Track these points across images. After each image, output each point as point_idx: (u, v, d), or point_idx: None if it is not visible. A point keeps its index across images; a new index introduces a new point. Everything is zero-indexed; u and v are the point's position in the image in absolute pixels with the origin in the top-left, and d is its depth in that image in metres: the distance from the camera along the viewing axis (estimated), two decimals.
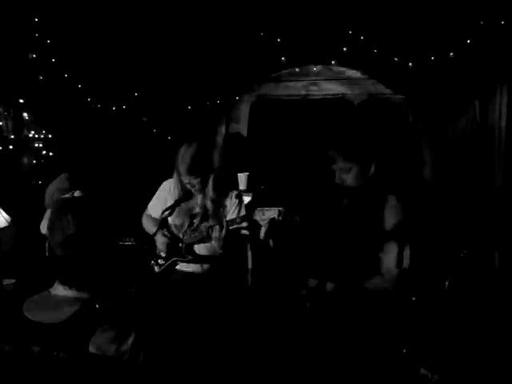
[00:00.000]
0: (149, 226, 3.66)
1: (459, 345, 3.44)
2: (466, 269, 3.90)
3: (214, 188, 3.39)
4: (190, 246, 3.45)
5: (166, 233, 3.45)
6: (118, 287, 1.94)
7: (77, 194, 1.93)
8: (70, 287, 1.75)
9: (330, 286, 2.95)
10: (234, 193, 3.51)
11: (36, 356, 1.61)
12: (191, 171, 3.27)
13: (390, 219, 2.82)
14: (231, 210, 3.45)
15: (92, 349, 1.62)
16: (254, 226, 3.18)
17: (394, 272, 2.76)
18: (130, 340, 1.68)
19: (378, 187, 2.90)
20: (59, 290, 1.77)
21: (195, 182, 3.32)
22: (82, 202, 1.85)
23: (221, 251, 3.33)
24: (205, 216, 3.43)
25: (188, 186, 3.36)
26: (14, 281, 4.25)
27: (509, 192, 5.04)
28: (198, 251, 3.46)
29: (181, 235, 3.45)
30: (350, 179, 2.90)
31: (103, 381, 1.62)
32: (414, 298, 3.07)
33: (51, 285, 1.81)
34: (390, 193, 2.87)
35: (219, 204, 3.44)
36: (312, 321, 3.02)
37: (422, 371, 3.05)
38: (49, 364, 1.60)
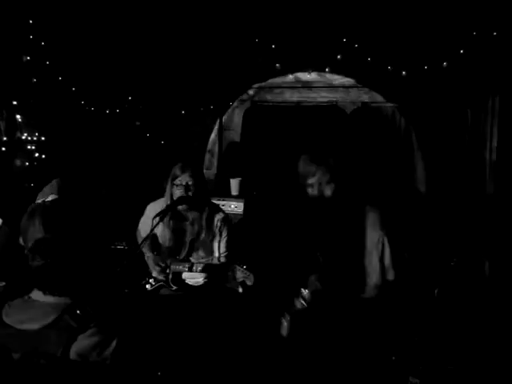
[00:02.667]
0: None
1: (449, 353, 3.45)
2: (455, 277, 3.92)
3: (206, 215, 3.46)
4: (177, 275, 3.46)
5: (157, 258, 3.49)
6: (103, 291, 1.91)
7: (50, 198, 1.90)
8: (45, 293, 1.72)
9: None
10: (221, 219, 3.56)
11: (16, 363, 1.58)
12: (185, 168, 3.38)
13: (372, 233, 2.84)
14: (220, 243, 3.53)
15: (74, 355, 1.60)
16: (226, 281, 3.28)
17: (379, 283, 2.79)
18: (113, 345, 1.67)
19: (359, 198, 2.92)
20: (39, 296, 1.74)
21: (189, 180, 3.35)
22: (52, 206, 1.82)
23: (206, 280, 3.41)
24: (192, 246, 3.49)
25: (179, 192, 3.37)
26: (4, 283, 4.22)
27: (499, 201, 5.07)
28: (185, 281, 3.47)
29: (169, 261, 3.47)
30: (329, 190, 2.91)
31: None
32: (403, 306, 3.08)
33: (31, 289, 1.78)
34: (369, 205, 2.89)
35: (209, 233, 3.50)
36: (301, 330, 3.02)
37: (411, 379, 3.05)
38: (29, 371, 1.57)
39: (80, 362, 1.61)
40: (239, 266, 3.13)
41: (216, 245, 3.55)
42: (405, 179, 5.56)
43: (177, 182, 3.39)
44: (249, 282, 3.15)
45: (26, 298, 1.78)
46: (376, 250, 2.84)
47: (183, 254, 3.51)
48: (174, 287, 3.44)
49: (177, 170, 3.40)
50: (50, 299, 1.74)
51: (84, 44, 5.38)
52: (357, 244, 2.84)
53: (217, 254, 3.54)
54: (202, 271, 3.33)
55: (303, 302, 2.94)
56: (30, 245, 1.74)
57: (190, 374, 3.01)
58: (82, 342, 1.64)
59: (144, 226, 3.69)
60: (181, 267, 3.40)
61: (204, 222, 3.47)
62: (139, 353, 1.78)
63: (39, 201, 1.84)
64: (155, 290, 3.49)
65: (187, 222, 3.49)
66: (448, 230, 4.96)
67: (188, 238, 3.49)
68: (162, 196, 3.59)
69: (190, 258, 3.51)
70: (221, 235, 3.55)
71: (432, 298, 3.36)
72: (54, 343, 1.62)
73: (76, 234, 1.80)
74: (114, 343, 1.68)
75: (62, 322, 1.66)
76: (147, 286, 3.50)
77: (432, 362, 3.15)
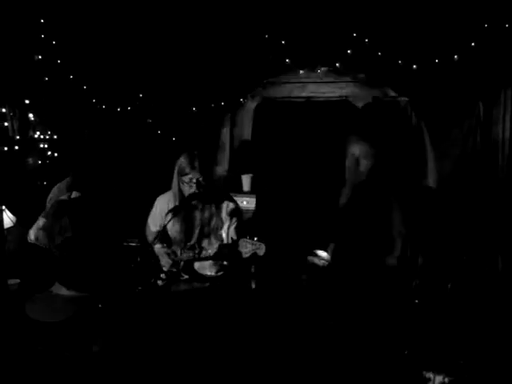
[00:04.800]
0: (148, 238, 3.73)
1: (462, 347, 3.44)
2: (468, 272, 3.91)
3: (216, 203, 3.44)
4: (188, 264, 3.45)
5: (168, 250, 3.48)
6: (121, 287, 1.93)
7: (74, 195, 1.92)
8: (69, 288, 1.74)
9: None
10: (231, 207, 3.53)
11: (39, 354, 1.61)
12: (194, 164, 3.31)
13: (396, 222, 2.87)
14: (229, 229, 3.49)
15: (95, 347, 1.63)
16: (237, 257, 3.21)
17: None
18: (131, 340, 1.69)
19: (378, 186, 2.93)
20: (62, 290, 1.76)
21: (199, 175, 3.32)
22: (79, 203, 1.84)
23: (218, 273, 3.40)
24: (202, 233, 3.46)
25: (188, 188, 3.36)
26: (18, 281, 4.27)
27: None
28: (197, 269, 3.47)
29: (179, 252, 3.45)
30: (364, 167, 2.96)
31: (104, 378, 1.63)
32: (416, 301, 3.08)
33: (53, 284, 1.80)
34: (392, 195, 2.91)
35: (218, 220, 3.47)
36: (315, 322, 3.03)
37: (425, 373, 3.06)
38: (52, 362, 1.60)
39: (101, 354, 1.64)
40: (248, 238, 3.10)
41: (225, 232, 3.50)
42: (416, 174, 5.54)
43: (186, 179, 3.35)
44: (260, 252, 3.09)
45: (49, 292, 1.81)
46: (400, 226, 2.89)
47: (193, 240, 3.47)
48: (186, 276, 3.43)
49: (185, 167, 3.33)
50: (71, 293, 1.77)
51: (95, 42, 5.40)
52: (385, 219, 2.88)
53: (225, 242, 3.47)
54: (214, 256, 3.31)
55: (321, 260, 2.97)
56: (57, 241, 1.76)
57: (201, 369, 3.02)
58: (103, 335, 1.66)
59: (153, 220, 3.68)
60: (190, 254, 3.39)
61: (214, 209, 3.44)
62: (154, 348, 1.80)
63: (63, 197, 1.86)
64: (166, 286, 3.48)
65: (197, 210, 3.46)
66: (460, 224, 4.94)
67: (198, 225, 3.46)
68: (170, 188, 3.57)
69: (202, 246, 3.48)
70: (230, 223, 3.50)
71: (445, 293, 3.36)
72: (76, 335, 1.65)
73: (99, 231, 1.82)
74: (132, 338, 1.70)
75: (84, 315, 1.68)
76: (158, 282, 3.49)
77: (445, 357, 3.15)
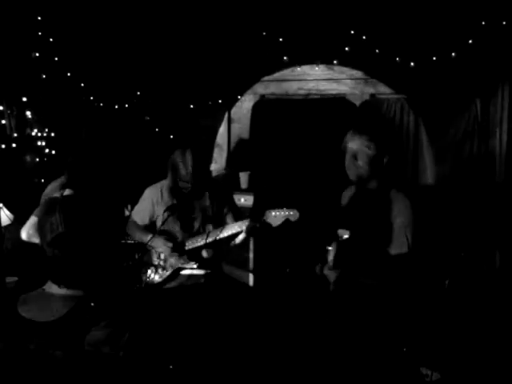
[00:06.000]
0: (136, 234, 3.62)
1: (459, 344, 3.45)
2: (466, 268, 3.91)
3: (212, 191, 3.42)
4: (193, 252, 3.42)
5: (167, 238, 3.45)
6: (117, 285, 1.92)
7: (66, 192, 1.90)
8: (60, 286, 1.73)
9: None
10: (224, 193, 3.52)
11: (31, 353, 1.60)
12: (189, 168, 3.24)
13: (399, 216, 2.85)
14: (229, 213, 3.46)
15: (87, 346, 1.62)
16: (266, 229, 3.17)
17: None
18: (125, 338, 1.68)
19: (387, 182, 2.92)
20: (53, 288, 1.75)
21: (196, 180, 3.29)
22: (71, 200, 1.82)
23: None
24: (205, 219, 3.43)
25: (186, 189, 3.34)
26: (16, 279, 4.27)
27: (510, 192, 5.05)
28: (203, 255, 3.44)
29: (180, 236, 3.43)
30: (363, 162, 2.90)
31: (99, 377, 1.62)
32: (415, 297, 3.09)
33: (46, 282, 1.79)
34: (395, 189, 2.90)
35: (214, 205, 3.44)
36: (313, 318, 3.03)
37: (422, 370, 3.06)
38: (44, 362, 1.59)
39: (94, 354, 1.63)
40: (276, 208, 3.04)
41: (229, 216, 3.46)
42: (413, 171, 5.55)
43: (183, 183, 3.31)
44: (293, 218, 3.05)
45: (41, 290, 1.80)
46: (407, 227, 2.85)
47: (196, 227, 3.44)
48: (195, 264, 3.40)
49: (182, 170, 3.25)
50: (64, 292, 1.76)
51: (92, 40, 5.39)
52: (389, 219, 2.86)
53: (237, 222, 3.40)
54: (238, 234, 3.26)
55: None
56: (48, 238, 1.75)
57: (201, 367, 3.02)
58: (95, 334, 1.66)
59: (141, 213, 3.62)
60: (199, 239, 3.35)
61: (208, 197, 3.41)
62: (151, 346, 1.79)
63: (56, 195, 1.85)
64: (162, 283, 3.44)
65: (195, 200, 3.43)
66: (458, 221, 4.94)
67: (198, 213, 3.43)
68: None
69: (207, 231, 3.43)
70: (227, 205, 3.47)
71: (443, 290, 3.36)
72: (68, 335, 1.64)
73: (92, 228, 1.80)
74: (126, 336, 1.69)
75: (76, 314, 1.67)
76: (156, 277, 3.46)
77: (443, 353, 3.16)
